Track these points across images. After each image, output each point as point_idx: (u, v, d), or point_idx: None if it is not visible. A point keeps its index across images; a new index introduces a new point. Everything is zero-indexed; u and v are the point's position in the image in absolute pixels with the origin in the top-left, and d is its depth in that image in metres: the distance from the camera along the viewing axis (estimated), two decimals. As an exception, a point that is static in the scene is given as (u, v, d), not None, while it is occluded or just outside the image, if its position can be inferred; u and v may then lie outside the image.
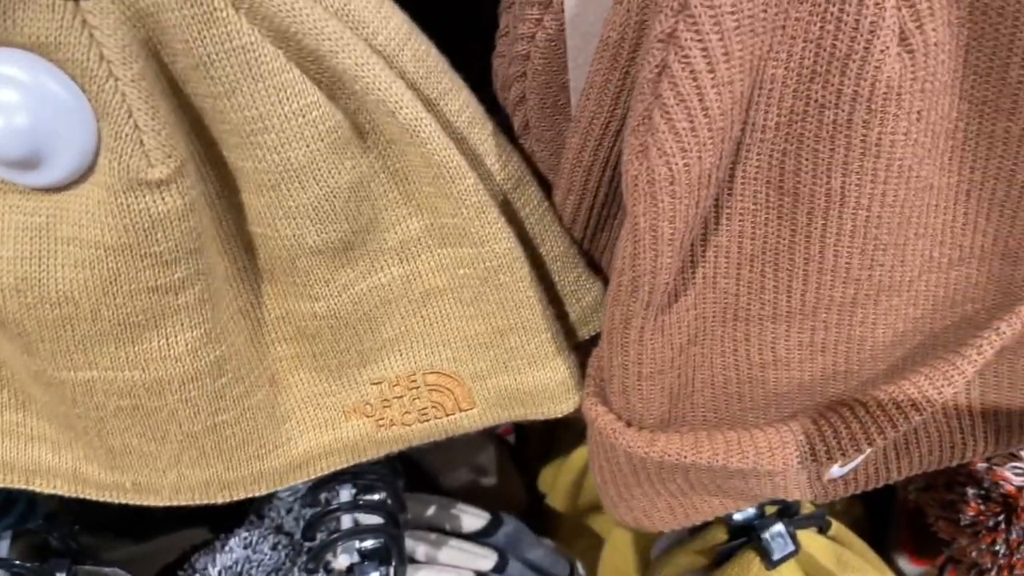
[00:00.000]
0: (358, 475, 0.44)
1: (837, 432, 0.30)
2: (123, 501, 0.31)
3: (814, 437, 0.30)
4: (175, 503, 0.31)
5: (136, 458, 0.29)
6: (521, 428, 0.73)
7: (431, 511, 0.49)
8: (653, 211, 0.25)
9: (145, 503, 0.31)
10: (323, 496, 0.44)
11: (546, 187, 0.32)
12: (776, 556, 0.45)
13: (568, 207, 0.31)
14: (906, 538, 0.55)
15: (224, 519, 0.48)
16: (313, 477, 0.32)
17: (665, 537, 0.50)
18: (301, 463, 0.32)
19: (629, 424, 0.31)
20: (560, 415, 0.32)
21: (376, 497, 0.44)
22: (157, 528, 0.51)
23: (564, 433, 0.64)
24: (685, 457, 0.30)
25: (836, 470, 0.34)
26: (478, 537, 0.49)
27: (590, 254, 0.33)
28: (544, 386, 0.31)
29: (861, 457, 0.34)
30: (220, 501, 0.31)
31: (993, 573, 0.43)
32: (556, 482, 0.60)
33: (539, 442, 0.67)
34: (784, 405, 0.32)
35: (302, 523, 0.46)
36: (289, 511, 0.47)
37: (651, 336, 0.29)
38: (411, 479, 0.55)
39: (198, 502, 0.31)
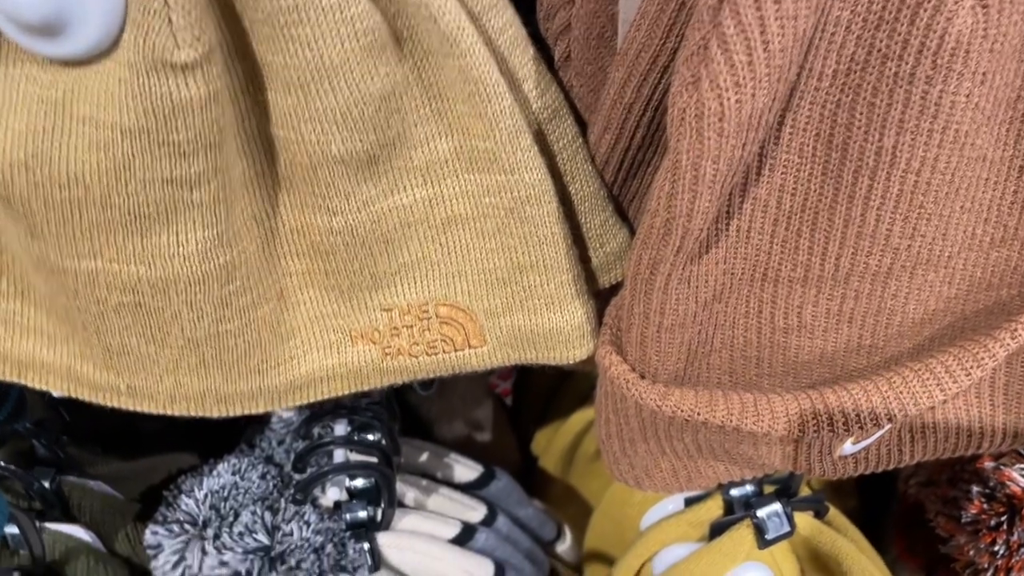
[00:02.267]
0: (355, 411, 0.43)
1: (857, 404, 0.29)
2: (116, 405, 0.30)
3: (833, 407, 0.29)
4: (169, 412, 0.30)
5: (133, 360, 0.28)
6: (519, 392, 0.72)
7: (424, 457, 0.49)
8: (697, 148, 0.23)
9: (139, 409, 0.30)
10: (317, 430, 0.44)
11: (581, 127, 0.31)
12: (770, 535, 0.44)
13: (603, 147, 0.30)
14: (899, 535, 0.54)
15: (214, 447, 0.48)
16: (313, 400, 0.31)
17: (657, 507, 0.49)
18: (302, 384, 0.31)
19: (643, 377, 0.30)
20: (572, 361, 0.31)
21: (371, 436, 0.43)
22: (146, 448, 0.51)
23: (563, 398, 0.63)
24: (698, 414, 0.29)
25: (848, 447, 0.33)
26: (469, 489, 0.49)
27: (619, 201, 0.32)
28: (559, 329, 0.30)
29: (876, 436, 0.33)
30: (216, 415, 0.30)
31: (989, 574, 0.42)
32: (551, 444, 0.60)
33: (536, 407, 0.67)
34: (803, 375, 0.31)
35: (293, 455, 0.45)
36: (281, 443, 0.47)
37: (677, 286, 0.27)
38: (406, 426, 0.54)
39: (193, 413, 0.30)
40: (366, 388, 0.31)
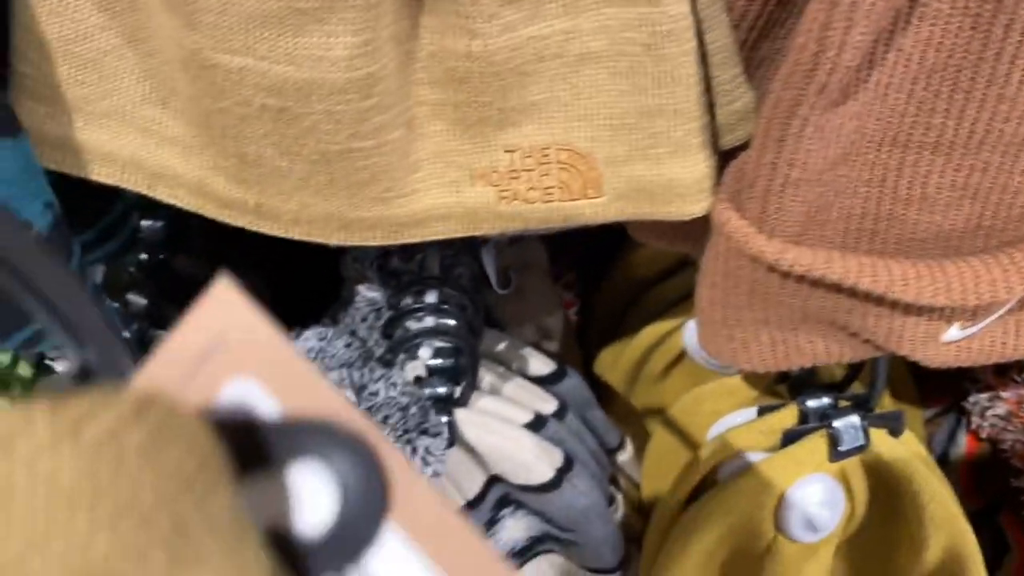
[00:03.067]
0: (445, 283, 0.43)
1: (977, 275, 0.29)
2: (241, 224, 0.31)
3: (952, 275, 0.29)
4: (291, 234, 0.31)
5: (266, 172, 0.29)
6: (585, 317, 0.72)
7: (502, 347, 0.49)
8: (860, -29, 0.23)
9: (262, 229, 0.31)
10: (406, 300, 0.44)
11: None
12: (844, 447, 0.44)
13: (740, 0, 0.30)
14: (965, 473, 0.54)
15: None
16: (428, 239, 0.32)
17: (726, 419, 0.50)
18: (420, 220, 0.31)
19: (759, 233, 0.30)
20: (687, 217, 0.31)
21: (459, 309, 0.43)
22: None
23: (632, 319, 0.63)
24: (815, 270, 0.29)
25: (954, 331, 0.33)
26: (542, 383, 0.49)
27: (748, 63, 0.32)
28: (679, 181, 0.30)
29: (983, 323, 0.33)
30: (335, 241, 0.31)
31: (1066, 500, 0.42)
32: (617, 361, 0.60)
33: (602, 329, 0.67)
34: (916, 253, 0.31)
35: (375, 333, 0.46)
36: (364, 320, 0.47)
37: (811, 133, 0.27)
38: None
39: (314, 238, 0.31)
40: (479, 232, 0.32)
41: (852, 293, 0.30)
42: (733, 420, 0.49)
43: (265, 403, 0.15)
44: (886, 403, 0.54)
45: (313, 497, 0.14)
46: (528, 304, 0.57)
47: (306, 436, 0.14)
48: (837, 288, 0.30)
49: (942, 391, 0.55)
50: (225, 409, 0.14)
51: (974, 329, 0.32)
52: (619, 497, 0.53)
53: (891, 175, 0.30)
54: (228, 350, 0.15)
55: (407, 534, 0.14)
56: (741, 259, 0.31)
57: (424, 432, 0.41)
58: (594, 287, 0.68)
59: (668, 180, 0.30)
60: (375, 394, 0.41)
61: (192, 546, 0.11)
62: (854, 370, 0.46)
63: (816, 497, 0.45)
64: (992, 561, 0.53)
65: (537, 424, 0.46)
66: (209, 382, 0.15)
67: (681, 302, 0.56)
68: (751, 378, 0.50)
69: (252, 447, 0.14)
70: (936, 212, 0.30)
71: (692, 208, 0.31)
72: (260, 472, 0.14)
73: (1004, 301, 0.30)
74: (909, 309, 0.31)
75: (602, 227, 0.37)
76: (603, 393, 0.63)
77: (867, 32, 0.25)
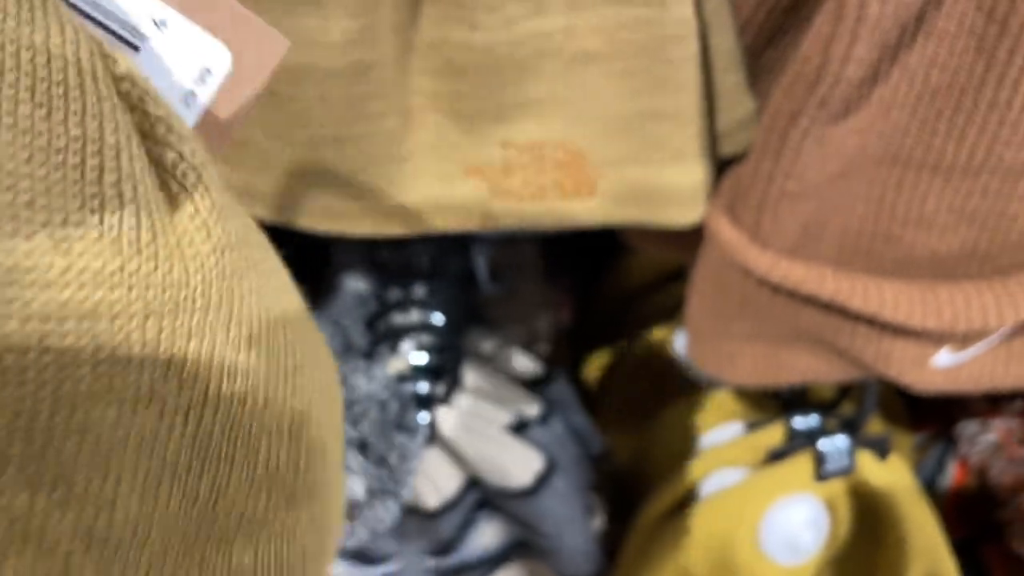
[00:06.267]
0: (432, 277, 0.43)
1: (968, 299, 0.29)
2: (226, 204, 0.31)
3: (943, 299, 0.29)
4: (277, 220, 0.30)
5: (253, 155, 0.29)
6: (578, 317, 0.72)
7: (488, 346, 0.49)
8: (868, -17, 0.23)
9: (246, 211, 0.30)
10: (394, 294, 0.44)
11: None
12: (829, 468, 0.44)
13: (747, 5, 0.29)
14: (950, 504, 0.53)
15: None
16: (417, 232, 0.31)
17: (714, 432, 0.49)
18: (410, 213, 0.31)
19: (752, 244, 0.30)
20: (680, 224, 0.30)
21: (445, 306, 0.43)
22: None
23: (625, 325, 0.62)
24: (806, 286, 0.29)
25: (944, 357, 0.32)
26: (528, 385, 0.49)
27: (751, 70, 0.31)
28: (675, 188, 0.30)
29: (973, 350, 0.32)
30: (320, 229, 0.31)
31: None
32: (608, 366, 0.59)
33: (595, 330, 0.66)
34: (910, 274, 0.31)
35: (360, 324, 0.46)
36: (349, 310, 0.47)
37: (810, 146, 0.27)
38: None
39: (301, 225, 0.31)
40: (469, 227, 0.31)
41: (842, 312, 0.30)
42: (720, 434, 0.49)
43: None
44: (875, 426, 0.53)
45: None
46: (519, 305, 0.56)
47: None
48: (827, 306, 0.30)
49: (933, 417, 0.54)
50: None
51: (964, 356, 0.32)
52: (599, 506, 0.52)
53: (889, 193, 0.29)
54: None
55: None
56: (733, 270, 0.30)
57: (401, 428, 0.40)
58: (588, 291, 0.68)
59: (663, 186, 0.30)
60: (354, 387, 0.40)
61: None
62: (844, 391, 0.46)
63: (799, 517, 0.45)
64: (972, 592, 0.53)
65: (520, 427, 0.46)
66: None
67: (677, 310, 0.56)
68: (741, 393, 0.49)
69: None
70: (932, 234, 0.30)
71: (686, 216, 0.30)
72: None
73: (995, 328, 0.30)
74: (899, 331, 0.30)
75: (599, 230, 0.37)
76: (589, 399, 0.62)
77: (872, 47, 0.24)
